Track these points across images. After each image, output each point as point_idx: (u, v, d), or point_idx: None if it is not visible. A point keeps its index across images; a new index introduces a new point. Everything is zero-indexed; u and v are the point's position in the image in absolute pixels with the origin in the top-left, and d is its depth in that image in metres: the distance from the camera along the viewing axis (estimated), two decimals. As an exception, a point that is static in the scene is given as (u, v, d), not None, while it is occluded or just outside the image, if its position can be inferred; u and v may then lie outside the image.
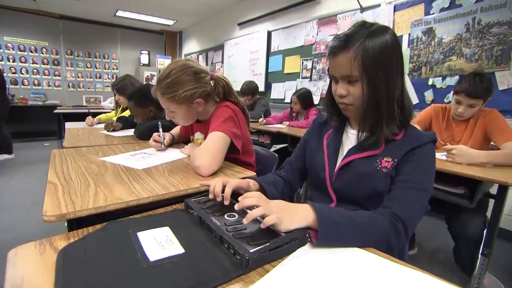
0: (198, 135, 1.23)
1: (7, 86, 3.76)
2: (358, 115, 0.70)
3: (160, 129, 1.27)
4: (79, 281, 0.40)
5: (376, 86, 0.64)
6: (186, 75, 1.02)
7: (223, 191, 0.65)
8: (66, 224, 0.64)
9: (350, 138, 0.77)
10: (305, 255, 0.50)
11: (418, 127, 1.45)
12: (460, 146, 1.28)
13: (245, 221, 0.51)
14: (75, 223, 0.62)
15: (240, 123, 1.08)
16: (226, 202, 0.63)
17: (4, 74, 3.85)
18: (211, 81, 1.08)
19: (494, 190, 1.24)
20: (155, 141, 1.25)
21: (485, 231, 1.21)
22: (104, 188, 0.72)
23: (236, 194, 0.67)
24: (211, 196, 0.66)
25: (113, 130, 1.81)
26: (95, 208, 0.61)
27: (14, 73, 5.23)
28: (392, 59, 0.64)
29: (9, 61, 5.16)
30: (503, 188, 1.14)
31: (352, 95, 0.67)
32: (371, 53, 0.62)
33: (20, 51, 5.23)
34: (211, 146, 0.94)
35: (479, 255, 1.23)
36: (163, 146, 1.24)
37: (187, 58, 1.07)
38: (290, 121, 2.86)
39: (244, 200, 0.55)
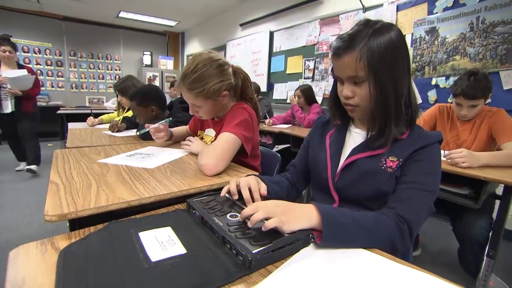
0: (210, 132, 1.22)
1: None
2: (365, 116, 0.69)
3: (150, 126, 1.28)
4: (79, 282, 0.39)
5: (383, 86, 0.62)
6: (212, 68, 1.00)
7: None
8: (68, 224, 0.64)
9: (354, 137, 0.76)
10: (309, 256, 0.49)
11: (423, 128, 1.43)
12: (464, 149, 1.21)
13: (249, 224, 0.50)
14: (77, 223, 0.62)
15: (254, 127, 1.07)
16: (235, 197, 0.65)
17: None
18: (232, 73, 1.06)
19: (500, 190, 1.22)
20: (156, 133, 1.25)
21: (490, 233, 1.19)
22: (106, 188, 0.71)
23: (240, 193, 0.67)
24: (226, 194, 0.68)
25: (118, 131, 1.81)
26: (96, 208, 0.60)
27: (18, 74, 5.27)
28: (398, 57, 0.63)
29: (13, 62, 5.20)
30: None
31: (358, 96, 0.66)
32: (377, 53, 0.60)
33: (24, 52, 5.28)
34: (220, 147, 0.93)
35: (485, 257, 1.21)
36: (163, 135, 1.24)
37: (209, 50, 1.05)
38: (299, 121, 2.82)
39: (243, 212, 0.54)
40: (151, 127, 1.26)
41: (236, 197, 0.65)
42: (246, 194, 0.64)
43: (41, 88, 5.38)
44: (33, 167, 3.15)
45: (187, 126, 1.45)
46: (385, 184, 0.65)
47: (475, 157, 1.19)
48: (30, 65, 5.31)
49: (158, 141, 1.30)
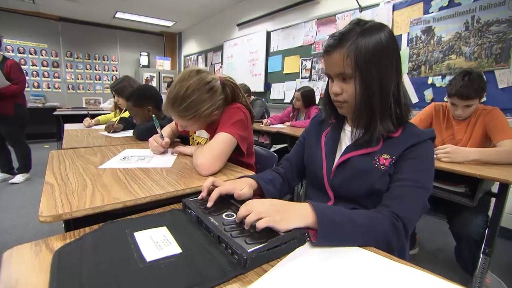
0: (202, 133, 1.21)
1: None
2: (352, 112, 0.70)
3: (159, 129, 1.18)
4: (74, 282, 0.39)
5: (368, 83, 0.63)
6: (203, 93, 0.97)
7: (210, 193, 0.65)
8: (63, 225, 0.63)
9: (348, 135, 0.76)
10: (304, 254, 0.49)
11: (420, 126, 1.44)
12: (449, 145, 1.25)
13: (246, 227, 0.51)
14: (72, 224, 0.61)
15: (249, 126, 1.07)
16: (209, 204, 0.61)
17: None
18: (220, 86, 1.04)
19: (495, 188, 1.23)
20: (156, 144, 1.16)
21: (486, 230, 1.20)
22: (101, 188, 0.71)
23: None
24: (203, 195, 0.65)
25: (114, 132, 1.81)
26: (91, 208, 0.60)
27: (14, 75, 5.22)
28: (386, 56, 0.63)
29: (9, 64, 5.16)
30: (504, 187, 1.14)
31: (346, 93, 0.67)
32: (364, 51, 0.62)
33: (20, 53, 5.23)
34: (216, 147, 0.93)
35: (481, 254, 1.22)
36: (164, 146, 1.15)
37: (198, 69, 1.02)
38: (291, 121, 2.85)
39: (238, 214, 0.54)
40: (154, 142, 1.16)
41: (204, 194, 0.65)
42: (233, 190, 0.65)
43: (38, 89, 5.43)
44: (16, 178, 2.88)
45: (169, 125, 1.38)
46: (379, 182, 0.66)
47: (461, 152, 1.20)
48: (25, 66, 5.29)
49: (154, 151, 1.19)
